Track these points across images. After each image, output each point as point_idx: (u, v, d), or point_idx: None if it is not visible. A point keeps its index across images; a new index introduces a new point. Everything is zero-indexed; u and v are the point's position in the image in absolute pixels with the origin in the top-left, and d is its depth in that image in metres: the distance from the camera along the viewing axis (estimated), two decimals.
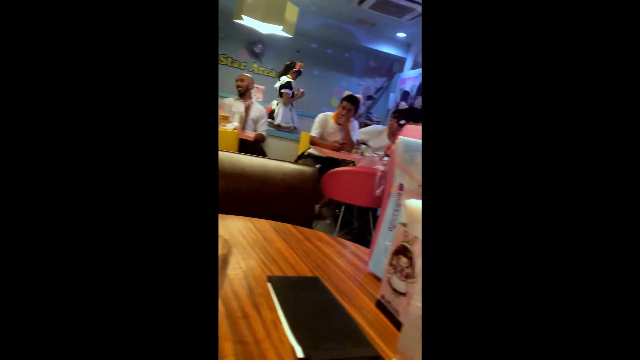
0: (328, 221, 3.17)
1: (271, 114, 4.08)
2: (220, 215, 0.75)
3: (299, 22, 3.25)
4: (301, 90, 4.29)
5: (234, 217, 0.76)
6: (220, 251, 0.38)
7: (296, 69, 4.30)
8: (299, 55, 5.61)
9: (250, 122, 3.22)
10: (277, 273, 0.53)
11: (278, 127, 3.92)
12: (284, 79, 4.20)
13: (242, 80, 3.20)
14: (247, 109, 3.21)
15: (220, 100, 3.24)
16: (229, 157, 0.99)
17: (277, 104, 4.15)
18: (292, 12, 3.03)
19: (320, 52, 5.83)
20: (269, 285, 0.48)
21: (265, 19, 2.93)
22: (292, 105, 4.09)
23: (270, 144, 3.61)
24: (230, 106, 3.18)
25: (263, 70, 5.80)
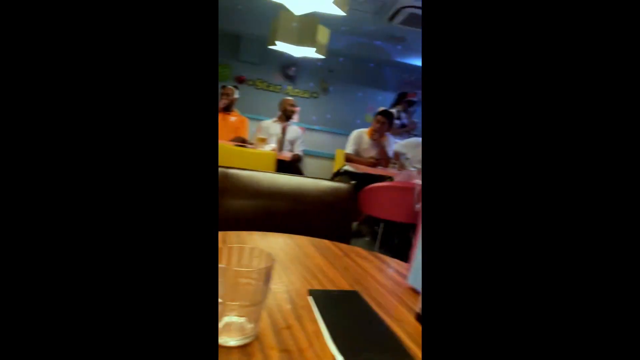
0: (367, 238, 3.14)
1: None
2: (260, 233, 0.79)
3: (330, 43, 3.35)
4: (414, 121, 4.05)
5: (274, 234, 0.79)
6: (264, 264, 0.41)
7: (407, 99, 4.04)
8: (332, 74, 5.72)
9: (287, 143, 3.31)
10: (318, 287, 0.55)
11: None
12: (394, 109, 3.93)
13: (292, 105, 3.32)
14: (284, 130, 3.31)
15: (258, 123, 3.37)
16: (266, 177, 1.04)
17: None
18: (323, 34, 3.14)
19: (353, 70, 5.91)
20: (310, 299, 0.50)
21: (298, 42, 3.05)
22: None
23: (307, 163, 3.68)
24: (267, 128, 3.30)
25: (297, 92, 5.96)
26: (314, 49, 3.11)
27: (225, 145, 2.60)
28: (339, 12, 2.29)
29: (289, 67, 5.80)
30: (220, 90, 3.27)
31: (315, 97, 5.98)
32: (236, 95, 3.32)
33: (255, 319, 0.38)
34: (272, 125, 3.33)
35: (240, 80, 5.69)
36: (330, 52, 5.17)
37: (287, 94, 5.92)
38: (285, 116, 3.32)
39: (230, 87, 3.33)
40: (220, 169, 1.02)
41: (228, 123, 3.28)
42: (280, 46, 3.17)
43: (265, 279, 0.37)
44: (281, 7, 2.92)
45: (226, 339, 0.36)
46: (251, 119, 3.63)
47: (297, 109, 3.34)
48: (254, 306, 0.37)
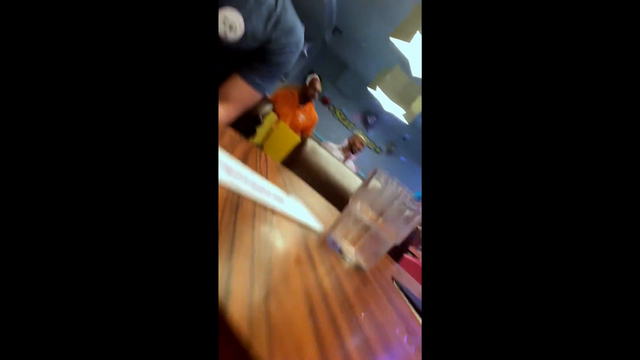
0: None
1: None
2: None
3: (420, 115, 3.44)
4: None
5: None
6: None
7: None
8: (404, 142, 5.84)
9: None
10: None
11: None
12: None
13: (362, 144, 3.35)
14: (345, 162, 3.35)
15: (325, 142, 3.45)
16: None
17: None
18: (418, 105, 3.21)
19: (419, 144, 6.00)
20: None
21: (395, 98, 3.15)
22: None
23: None
24: (331, 150, 3.36)
25: (367, 143, 6.10)
26: (404, 112, 3.20)
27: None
28: None
29: (370, 114, 5.99)
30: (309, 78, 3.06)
31: (377, 153, 6.08)
32: (318, 86, 3.03)
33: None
34: (336, 151, 3.40)
35: (324, 101, 5.93)
36: (416, 123, 5.30)
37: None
38: (351, 150, 3.38)
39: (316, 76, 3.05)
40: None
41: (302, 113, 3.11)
42: (378, 93, 3.29)
43: None
44: (402, 61, 3.05)
45: None
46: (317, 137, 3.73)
47: (363, 150, 3.42)
48: None
